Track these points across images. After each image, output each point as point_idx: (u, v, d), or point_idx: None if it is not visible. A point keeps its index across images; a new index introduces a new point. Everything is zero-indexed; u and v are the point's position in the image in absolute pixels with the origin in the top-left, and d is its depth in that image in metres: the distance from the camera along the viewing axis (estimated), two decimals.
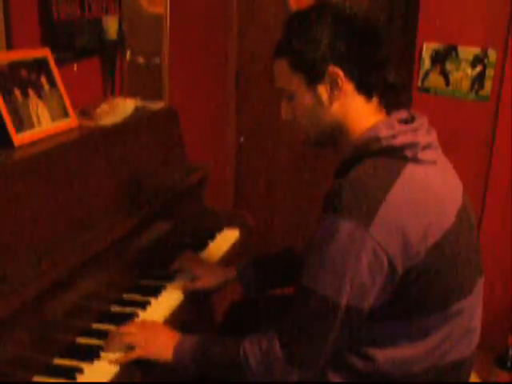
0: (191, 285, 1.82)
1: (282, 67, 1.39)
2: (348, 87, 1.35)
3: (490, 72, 2.70)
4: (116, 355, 1.48)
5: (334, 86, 1.35)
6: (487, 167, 2.80)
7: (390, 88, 1.39)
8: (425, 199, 1.28)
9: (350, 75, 1.34)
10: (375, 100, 1.39)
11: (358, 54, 1.33)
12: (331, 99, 1.36)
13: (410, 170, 1.29)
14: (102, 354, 1.48)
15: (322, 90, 1.36)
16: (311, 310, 1.30)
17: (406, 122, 1.38)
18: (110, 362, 1.46)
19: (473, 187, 2.79)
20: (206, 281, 1.83)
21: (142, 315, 1.67)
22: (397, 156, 1.31)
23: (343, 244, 1.24)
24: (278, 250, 1.92)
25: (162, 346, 1.49)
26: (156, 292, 1.78)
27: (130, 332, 1.52)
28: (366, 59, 1.34)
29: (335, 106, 1.37)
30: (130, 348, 1.49)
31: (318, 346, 1.32)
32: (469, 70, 2.73)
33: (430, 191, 1.30)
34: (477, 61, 2.71)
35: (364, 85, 1.36)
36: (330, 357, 1.35)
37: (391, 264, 1.25)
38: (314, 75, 1.35)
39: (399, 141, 1.31)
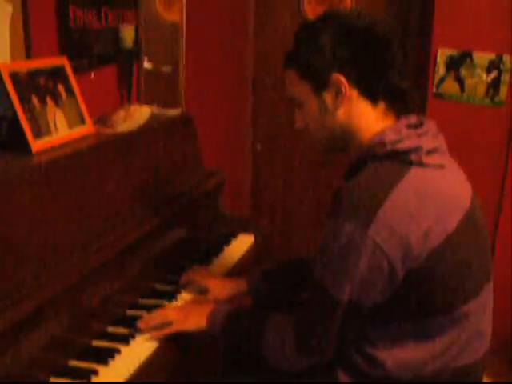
0: (203, 297, 1.82)
1: (290, 77, 1.44)
2: (352, 93, 1.37)
3: (505, 77, 2.70)
4: (152, 332, 1.59)
5: (338, 93, 1.37)
6: (503, 173, 2.79)
7: (397, 93, 1.40)
8: (426, 203, 1.29)
9: (353, 82, 1.36)
10: (382, 105, 1.40)
11: (360, 60, 1.35)
12: (336, 106, 1.39)
13: (413, 173, 1.31)
14: (117, 356, 1.50)
15: (328, 98, 1.39)
16: (317, 302, 1.38)
17: (414, 127, 1.39)
18: (149, 338, 1.58)
19: (489, 193, 2.79)
20: (217, 294, 1.83)
21: None
22: (401, 160, 1.33)
23: (344, 245, 1.28)
24: (290, 260, 1.92)
25: (197, 316, 1.60)
26: (171, 297, 1.80)
27: (165, 313, 1.63)
28: (369, 65, 1.36)
29: (341, 112, 1.40)
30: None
31: (323, 335, 1.38)
32: (484, 76, 2.73)
33: (433, 195, 1.31)
34: (492, 66, 2.71)
35: (368, 90, 1.38)
36: (335, 346, 1.40)
37: (391, 265, 1.27)
38: (319, 83, 1.39)
39: (404, 145, 1.33)
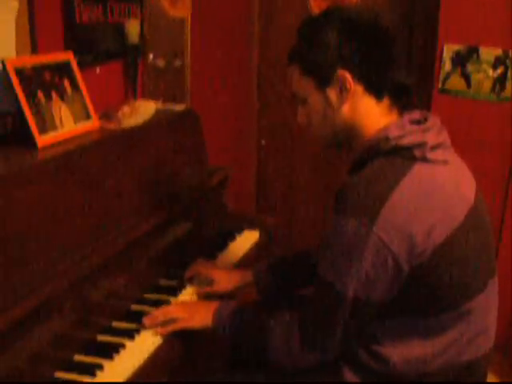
0: (209, 288, 1.82)
1: (294, 72, 1.43)
2: (357, 89, 1.37)
3: (511, 73, 2.68)
4: (157, 329, 1.59)
5: (342, 88, 1.37)
6: (509, 168, 2.78)
7: (401, 88, 1.40)
8: (431, 198, 1.29)
9: (358, 77, 1.36)
10: (386, 101, 1.40)
11: (365, 56, 1.35)
12: (341, 101, 1.38)
13: (417, 169, 1.31)
14: (122, 351, 1.51)
15: (332, 93, 1.39)
16: (322, 298, 1.37)
17: (418, 122, 1.39)
18: (154, 334, 1.58)
19: (494, 189, 2.78)
20: (224, 284, 1.83)
21: None
22: (405, 156, 1.32)
23: (349, 241, 1.28)
24: (295, 252, 1.92)
25: (203, 314, 1.59)
26: (176, 292, 1.80)
27: (171, 310, 1.63)
28: (373, 61, 1.36)
29: (345, 108, 1.39)
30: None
31: (329, 332, 1.37)
32: (490, 72, 2.72)
33: (437, 190, 1.31)
34: (498, 62, 2.70)
35: (373, 86, 1.37)
36: (341, 345, 1.39)
37: (396, 261, 1.26)
38: (323, 79, 1.38)
39: (408, 141, 1.32)
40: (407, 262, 1.27)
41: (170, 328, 1.59)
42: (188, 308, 1.65)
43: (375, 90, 1.38)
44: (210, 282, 1.84)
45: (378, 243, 1.25)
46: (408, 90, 1.41)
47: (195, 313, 1.61)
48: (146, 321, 1.60)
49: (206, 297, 1.81)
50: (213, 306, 1.61)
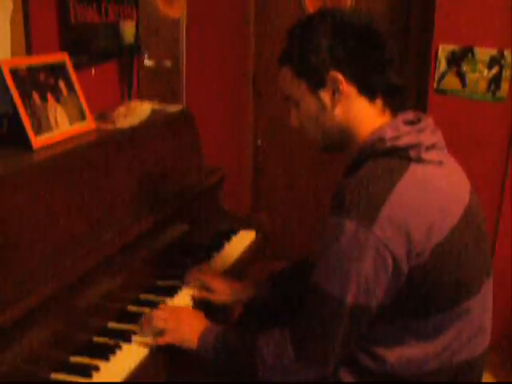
0: (206, 295, 1.79)
1: (286, 75, 1.43)
2: (350, 90, 1.36)
3: (506, 73, 2.69)
4: (146, 339, 1.55)
5: (335, 90, 1.36)
6: (504, 168, 2.78)
7: (394, 89, 1.40)
8: (428, 199, 1.29)
9: (351, 79, 1.35)
10: (379, 102, 1.39)
11: (357, 57, 1.34)
12: (334, 103, 1.38)
13: (413, 170, 1.30)
14: (118, 352, 1.51)
15: (325, 95, 1.38)
16: (319, 307, 1.32)
17: (411, 123, 1.39)
18: (141, 345, 1.53)
19: (490, 188, 2.78)
20: (223, 297, 1.79)
21: None
22: (401, 156, 1.32)
23: (347, 243, 1.26)
24: (295, 261, 1.87)
25: (190, 334, 1.53)
26: (172, 292, 1.80)
27: (162, 317, 1.57)
28: (366, 62, 1.35)
29: (339, 110, 1.39)
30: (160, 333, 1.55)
31: (326, 343, 1.33)
32: (485, 72, 2.73)
33: (433, 191, 1.31)
34: (493, 62, 2.70)
35: (366, 87, 1.37)
36: (340, 356, 1.36)
37: (396, 262, 1.25)
38: (315, 81, 1.38)
39: (403, 141, 1.32)
40: (407, 262, 1.26)
41: (156, 343, 1.54)
42: (179, 320, 1.57)
43: (368, 91, 1.37)
44: (210, 291, 1.80)
45: (378, 244, 1.24)
46: (401, 90, 1.40)
47: (183, 329, 1.54)
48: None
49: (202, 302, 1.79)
50: (201, 325, 1.54)
